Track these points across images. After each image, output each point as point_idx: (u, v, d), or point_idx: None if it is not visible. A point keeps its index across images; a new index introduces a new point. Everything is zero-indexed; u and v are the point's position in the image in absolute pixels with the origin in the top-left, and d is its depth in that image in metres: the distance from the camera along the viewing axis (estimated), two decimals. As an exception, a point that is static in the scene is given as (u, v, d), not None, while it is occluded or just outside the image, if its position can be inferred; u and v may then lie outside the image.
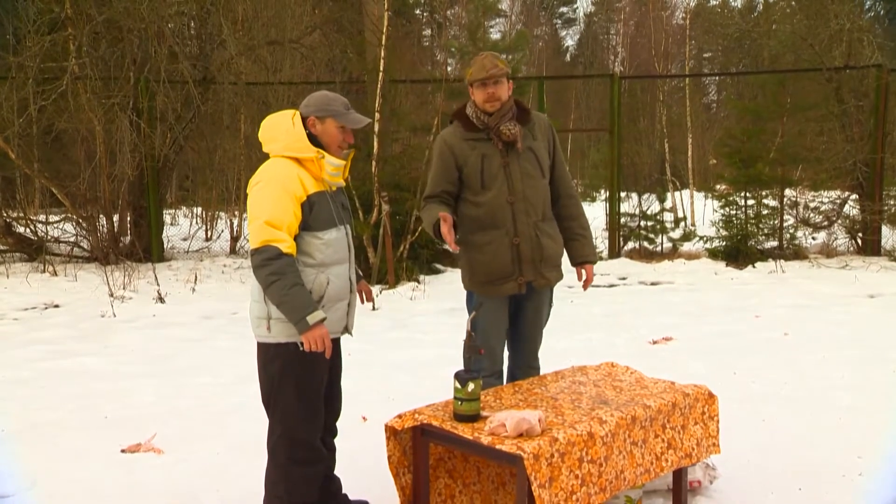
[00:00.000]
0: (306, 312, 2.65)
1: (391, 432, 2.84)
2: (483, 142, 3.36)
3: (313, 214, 2.77)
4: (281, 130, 2.81)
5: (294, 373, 2.78)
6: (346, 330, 2.98)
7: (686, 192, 20.40)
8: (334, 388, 3.02)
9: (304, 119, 2.84)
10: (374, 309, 7.52)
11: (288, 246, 2.68)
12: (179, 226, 16.45)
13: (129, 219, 11.44)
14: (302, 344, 2.72)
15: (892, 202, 11.08)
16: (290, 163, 2.78)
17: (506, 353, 3.57)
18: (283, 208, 2.69)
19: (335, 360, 2.99)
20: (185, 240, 13.22)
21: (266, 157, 2.89)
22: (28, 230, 11.01)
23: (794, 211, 11.08)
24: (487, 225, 3.36)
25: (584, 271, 3.53)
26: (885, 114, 10.57)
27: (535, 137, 3.41)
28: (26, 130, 10.10)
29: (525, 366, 3.54)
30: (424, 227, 3.46)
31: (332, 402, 3.00)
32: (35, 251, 10.54)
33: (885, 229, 10.93)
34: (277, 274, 2.65)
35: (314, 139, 2.82)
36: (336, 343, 2.99)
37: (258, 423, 3.08)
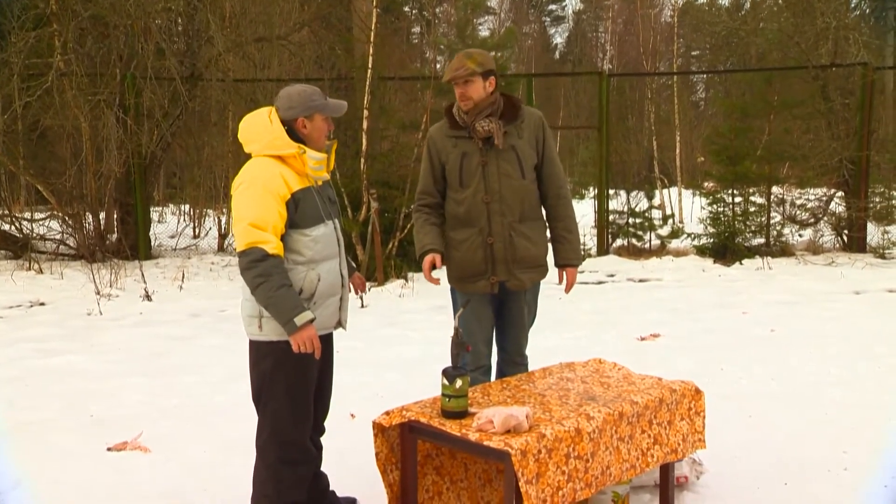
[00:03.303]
0: (294, 314, 2.64)
1: (379, 429, 2.84)
2: (464, 139, 3.37)
3: (299, 212, 2.76)
4: (259, 130, 2.79)
5: (285, 371, 2.77)
6: (340, 324, 2.97)
7: (674, 190, 20.47)
8: (324, 385, 3.01)
9: (291, 121, 2.80)
10: (362, 306, 7.51)
11: (274, 247, 2.67)
12: (167, 223, 16.34)
13: (115, 216, 11.39)
14: None
15: (877, 199, 11.19)
16: (271, 161, 2.76)
17: (494, 349, 3.58)
18: (268, 208, 2.68)
19: (326, 357, 2.98)
20: (172, 237, 13.14)
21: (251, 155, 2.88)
22: (13, 228, 10.93)
23: (781, 208, 11.16)
24: (464, 223, 3.39)
25: (565, 274, 3.50)
26: (871, 111, 10.66)
27: (520, 136, 3.37)
28: (11, 127, 10.03)
29: (511, 362, 3.55)
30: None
31: (321, 399, 2.99)
32: (20, 249, 10.46)
33: (871, 226, 11.03)
34: (264, 276, 2.64)
35: (293, 134, 2.80)
36: (328, 339, 2.98)
37: (246, 421, 3.07)
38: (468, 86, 3.29)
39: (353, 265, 3.18)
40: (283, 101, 2.82)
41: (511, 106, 3.38)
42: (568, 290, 3.54)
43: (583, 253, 10.70)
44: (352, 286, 3.20)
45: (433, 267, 3.37)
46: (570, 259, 3.49)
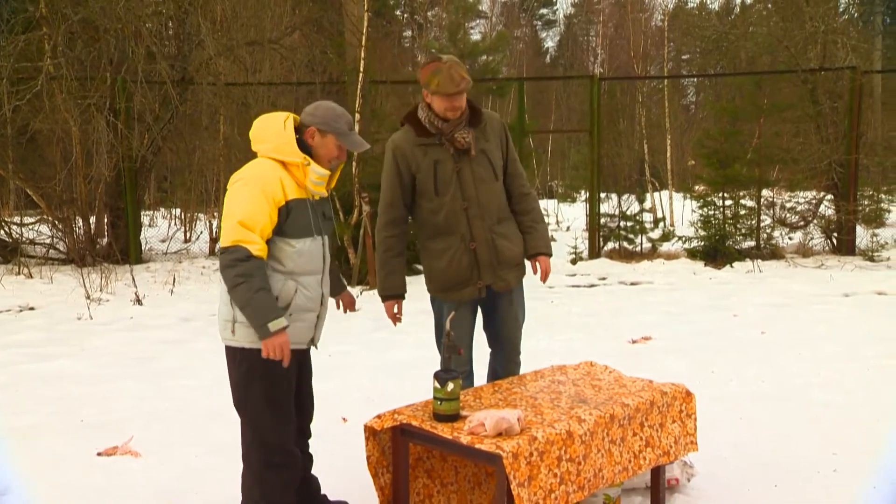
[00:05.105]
0: (268, 318, 2.60)
1: (370, 432, 2.84)
2: (435, 147, 3.33)
3: (290, 220, 2.73)
4: (271, 132, 2.78)
5: (259, 378, 2.74)
6: (313, 342, 2.92)
7: (665, 193, 20.54)
8: (304, 392, 2.99)
9: (303, 126, 2.80)
10: (354, 310, 7.49)
11: (259, 248, 2.64)
12: (157, 227, 16.32)
13: (105, 220, 11.32)
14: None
15: (866, 202, 11.27)
16: (275, 165, 2.75)
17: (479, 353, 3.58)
18: (259, 210, 2.66)
19: (304, 365, 2.96)
20: (163, 241, 13.11)
21: (248, 158, 2.87)
22: (2, 232, 10.86)
23: (771, 211, 11.22)
24: (444, 231, 3.37)
25: (537, 263, 3.47)
26: (859, 115, 10.73)
27: (487, 139, 3.38)
28: (0, 131, 9.97)
29: (509, 361, 3.54)
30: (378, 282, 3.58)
31: (303, 406, 2.98)
32: (10, 253, 10.40)
33: (860, 229, 11.10)
34: (244, 276, 2.61)
35: (304, 146, 2.78)
36: (304, 353, 2.94)
37: (237, 424, 3.05)
38: (462, 97, 3.27)
39: (344, 282, 3.16)
40: (311, 108, 2.84)
41: (474, 110, 3.37)
42: (544, 278, 3.49)
43: (574, 255, 10.77)
44: (341, 303, 3.21)
45: (395, 309, 3.53)
46: (540, 248, 3.47)
